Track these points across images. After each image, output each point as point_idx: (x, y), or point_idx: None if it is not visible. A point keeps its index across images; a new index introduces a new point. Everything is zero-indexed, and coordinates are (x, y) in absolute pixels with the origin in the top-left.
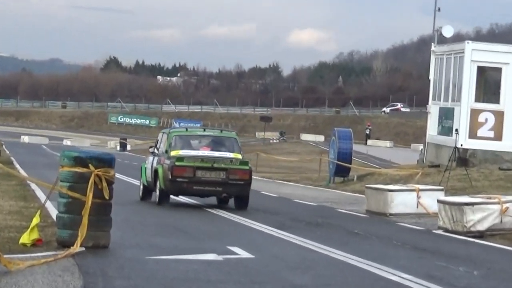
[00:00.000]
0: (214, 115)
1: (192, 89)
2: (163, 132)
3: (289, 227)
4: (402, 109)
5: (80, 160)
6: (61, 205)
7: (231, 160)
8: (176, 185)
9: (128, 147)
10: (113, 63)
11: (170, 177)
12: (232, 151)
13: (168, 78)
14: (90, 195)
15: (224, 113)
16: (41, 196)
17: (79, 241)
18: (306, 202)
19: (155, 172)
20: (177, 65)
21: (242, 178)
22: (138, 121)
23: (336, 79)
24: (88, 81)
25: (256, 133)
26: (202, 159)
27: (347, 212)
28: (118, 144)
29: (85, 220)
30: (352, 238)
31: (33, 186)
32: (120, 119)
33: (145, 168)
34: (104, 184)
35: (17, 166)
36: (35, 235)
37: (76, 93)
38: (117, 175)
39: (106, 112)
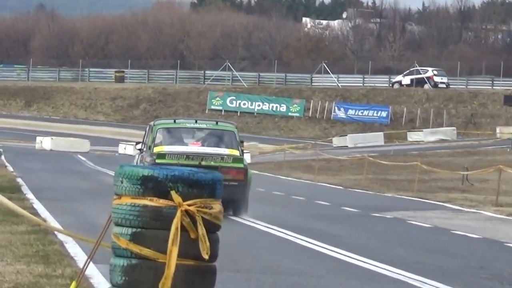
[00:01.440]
0: (414, 94)
1: (370, 42)
2: (149, 124)
3: None
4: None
5: (154, 184)
6: (118, 272)
7: (222, 157)
8: None
9: (247, 158)
10: None
11: None
12: (229, 147)
13: (323, 22)
14: (173, 251)
15: (436, 90)
16: (78, 253)
17: None
18: None
19: None
20: None
21: (235, 178)
22: (265, 107)
23: None
24: (166, 28)
25: (497, 129)
26: (188, 156)
27: None
28: None
29: None
30: None
31: (61, 235)
32: (230, 102)
33: None
34: (202, 230)
35: (30, 195)
36: None
37: (144, 52)
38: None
39: (202, 88)
